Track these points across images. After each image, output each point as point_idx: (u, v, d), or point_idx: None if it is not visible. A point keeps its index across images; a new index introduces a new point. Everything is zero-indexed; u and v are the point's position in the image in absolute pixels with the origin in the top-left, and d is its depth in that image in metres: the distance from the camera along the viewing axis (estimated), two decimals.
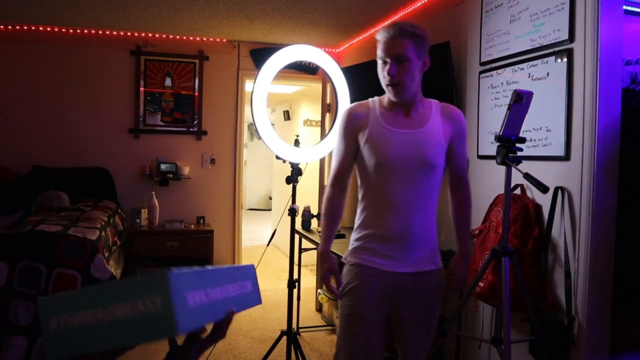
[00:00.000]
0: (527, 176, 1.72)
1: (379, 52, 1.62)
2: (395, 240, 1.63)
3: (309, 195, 4.92)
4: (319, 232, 3.40)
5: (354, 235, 1.73)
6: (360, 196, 1.72)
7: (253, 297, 0.95)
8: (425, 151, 1.62)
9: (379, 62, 1.64)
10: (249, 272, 0.97)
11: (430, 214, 1.68)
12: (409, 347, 1.71)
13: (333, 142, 2.64)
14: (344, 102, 2.64)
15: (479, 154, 2.65)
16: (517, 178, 2.04)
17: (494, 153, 1.84)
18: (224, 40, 4.65)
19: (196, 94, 4.61)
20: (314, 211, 3.72)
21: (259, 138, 2.55)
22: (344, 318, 1.69)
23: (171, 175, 4.45)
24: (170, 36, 4.51)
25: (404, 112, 1.67)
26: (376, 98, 1.75)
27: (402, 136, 1.63)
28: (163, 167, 4.43)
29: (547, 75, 2.19)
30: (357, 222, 1.73)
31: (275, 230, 3.07)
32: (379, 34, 1.62)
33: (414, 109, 1.68)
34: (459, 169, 1.75)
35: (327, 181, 1.78)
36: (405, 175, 1.62)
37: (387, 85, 1.63)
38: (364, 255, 1.67)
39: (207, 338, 0.84)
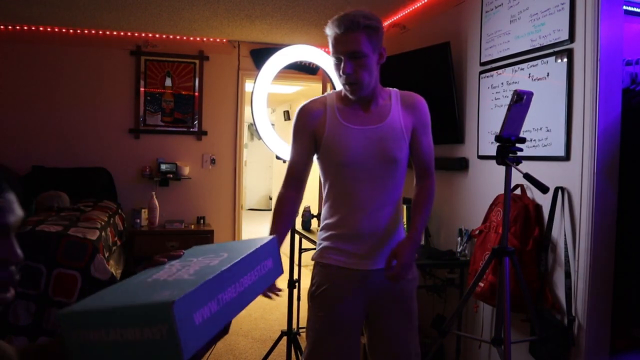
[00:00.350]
0: (527, 176, 1.72)
1: (331, 49, 1.52)
2: (364, 238, 1.58)
3: (308, 196, 4.91)
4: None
5: (321, 234, 1.67)
6: (325, 193, 1.66)
7: (273, 273, 0.93)
8: (387, 147, 1.56)
9: (332, 60, 1.54)
10: (270, 249, 0.94)
11: (397, 208, 1.63)
12: (391, 342, 1.64)
13: None
14: None
15: (479, 154, 2.65)
16: (517, 178, 2.04)
17: (494, 153, 1.84)
18: (224, 40, 4.65)
19: (196, 94, 4.61)
20: (314, 211, 3.72)
21: (259, 138, 2.55)
22: (318, 321, 1.63)
23: (171, 176, 4.45)
24: (171, 36, 4.51)
25: (362, 107, 1.60)
26: (332, 92, 1.67)
27: (362, 133, 1.56)
28: (163, 167, 4.43)
29: (547, 75, 2.19)
30: (323, 220, 1.67)
31: None
32: (329, 28, 1.52)
33: (374, 103, 1.60)
34: (423, 160, 1.64)
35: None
36: (369, 172, 1.56)
37: (344, 84, 1.55)
38: (333, 255, 1.61)
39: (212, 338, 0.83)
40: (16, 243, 0.71)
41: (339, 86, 2.64)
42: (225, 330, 0.84)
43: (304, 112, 1.63)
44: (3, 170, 0.78)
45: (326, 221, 1.65)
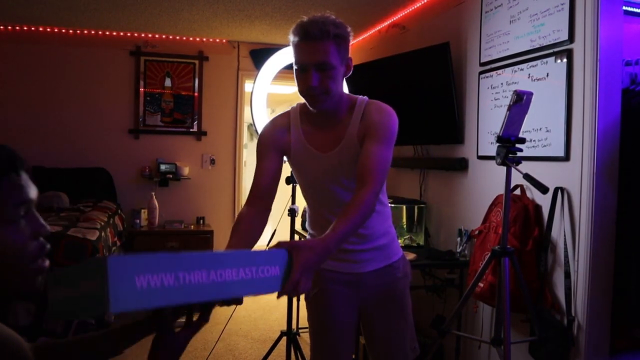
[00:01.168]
0: (527, 177, 1.72)
1: (296, 57, 1.39)
2: (350, 243, 1.51)
3: None
4: None
5: (309, 238, 1.65)
6: (304, 196, 1.64)
7: (273, 284, 0.94)
8: (348, 171, 1.46)
9: (295, 67, 1.41)
10: (279, 258, 0.96)
11: (380, 209, 1.52)
12: (387, 341, 1.64)
13: None
14: None
15: (479, 154, 2.65)
16: (516, 178, 2.04)
17: (493, 153, 1.84)
18: (224, 40, 4.65)
19: (196, 94, 4.61)
20: None
21: None
22: (314, 325, 1.66)
23: (171, 176, 4.45)
24: (170, 37, 4.51)
25: (327, 125, 1.49)
26: (297, 107, 1.56)
27: (323, 160, 1.49)
28: (163, 167, 4.43)
29: (547, 75, 2.19)
30: (308, 227, 1.66)
31: (275, 230, 3.07)
32: (293, 34, 1.40)
33: (335, 119, 1.49)
34: (360, 167, 1.39)
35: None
36: (338, 191, 1.51)
37: (306, 96, 1.43)
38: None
39: (193, 324, 0.95)
40: (40, 216, 0.76)
41: None
42: (205, 319, 0.93)
43: (268, 131, 1.55)
44: (13, 151, 0.79)
45: (310, 231, 1.66)
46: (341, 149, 1.47)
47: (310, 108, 1.45)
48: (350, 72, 1.49)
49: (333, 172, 1.49)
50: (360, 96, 1.53)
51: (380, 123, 1.43)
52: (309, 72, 1.37)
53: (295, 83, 1.43)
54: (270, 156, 1.50)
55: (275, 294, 0.98)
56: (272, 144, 1.51)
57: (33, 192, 0.76)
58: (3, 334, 0.73)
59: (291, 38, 1.41)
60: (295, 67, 1.41)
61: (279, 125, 1.54)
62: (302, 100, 1.49)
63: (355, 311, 1.64)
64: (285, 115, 1.56)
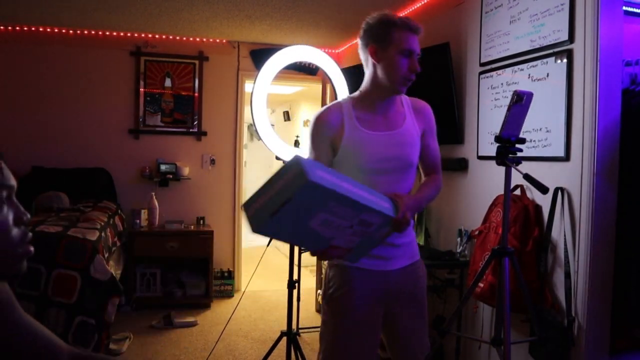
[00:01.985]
0: (527, 177, 1.72)
1: (406, 44, 1.54)
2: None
3: None
4: None
5: None
6: None
7: (389, 211, 1.33)
8: (405, 152, 1.61)
9: (400, 53, 1.55)
10: (389, 203, 1.36)
11: None
12: (408, 341, 1.70)
13: None
14: None
15: (479, 154, 2.65)
16: (517, 179, 2.04)
17: (493, 153, 1.84)
18: (224, 41, 4.65)
19: (196, 94, 4.61)
20: None
21: (259, 139, 2.55)
22: (338, 326, 1.63)
23: (171, 176, 4.45)
24: (170, 37, 4.51)
25: (380, 113, 1.62)
26: (347, 98, 1.67)
27: (380, 138, 1.59)
28: (163, 167, 4.43)
29: (547, 75, 2.19)
30: None
31: None
32: (404, 23, 1.57)
33: (392, 109, 1.64)
34: (431, 162, 1.71)
35: None
36: (386, 177, 1.59)
37: (403, 79, 1.56)
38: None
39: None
40: (19, 204, 0.78)
41: (339, 87, 2.64)
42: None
43: (321, 120, 1.62)
44: None
45: None
46: (402, 130, 1.62)
47: (400, 92, 1.61)
48: None
49: (389, 152, 1.60)
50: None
51: (434, 120, 1.71)
52: (414, 59, 1.56)
53: (394, 68, 1.56)
54: (322, 146, 1.62)
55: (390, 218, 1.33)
56: (324, 135, 1.61)
57: (12, 178, 0.78)
58: (44, 338, 0.78)
59: (400, 25, 1.58)
60: (400, 51, 1.55)
61: (331, 115, 1.63)
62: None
63: (381, 311, 1.66)
64: (337, 105, 1.66)
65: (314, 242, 1.30)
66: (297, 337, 2.73)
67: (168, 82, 4.53)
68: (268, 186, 1.14)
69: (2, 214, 0.75)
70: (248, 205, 1.15)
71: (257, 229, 1.14)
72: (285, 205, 1.08)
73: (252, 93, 2.45)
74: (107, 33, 4.39)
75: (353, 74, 3.31)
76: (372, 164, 1.58)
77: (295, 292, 2.68)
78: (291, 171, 1.10)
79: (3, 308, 0.86)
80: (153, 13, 3.75)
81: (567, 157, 2.08)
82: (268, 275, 5.32)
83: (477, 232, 2.40)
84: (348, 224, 1.24)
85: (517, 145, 1.79)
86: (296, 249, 2.79)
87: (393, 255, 1.62)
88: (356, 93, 1.65)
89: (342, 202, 1.16)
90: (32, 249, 0.78)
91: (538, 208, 2.22)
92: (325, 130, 1.60)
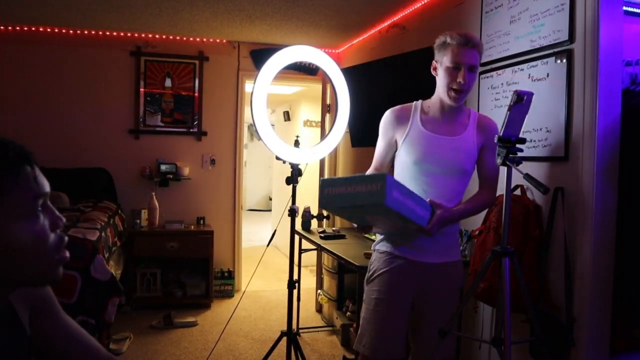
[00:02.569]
0: (527, 177, 1.72)
1: (452, 57, 1.70)
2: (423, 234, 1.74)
3: (309, 196, 4.91)
4: (319, 232, 3.40)
5: None
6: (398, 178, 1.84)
7: (424, 221, 1.62)
8: (457, 157, 1.76)
9: (449, 66, 1.71)
10: (429, 208, 1.65)
11: None
12: (426, 336, 1.82)
13: (333, 143, 2.65)
14: (344, 103, 2.64)
15: None
16: (517, 179, 2.04)
17: None
18: (224, 41, 4.65)
19: (196, 94, 4.61)
20: (314, 212, 3.72)
21: (259, 139, 2.55)
22: (372, 301, 1.80)
23: (171, 176, 4.45)
24: (170, 37, 4.51)
25: (444, 119, 1.80)
26: (418, 103, 1.86)
27: (437, 140, 1.77)
28: (163, 167, 4.43)
29: (547, 75, 2.19)
30: None
31: (275, 230, 3.07)
32: (453, 39, 1.71)
33: (454, 117, 1.80)
34: (485, 176, 1.85)
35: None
36: (440, 177, 1.76)
37: (453, 90, 1.72)
38: (394, 245, 1.82)
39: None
40: (55, 208, 0.79)
41: (339, 87, 2.64)
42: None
43: (391, 115, 1.87)
44: (22, 145, 0.82)
45: None
46: (460, 138, 1.78)
47: (452, 103, 1.75)
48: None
49: (443, 154, 1.76)
50: (470, 108, 1.91)
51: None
52: (464, 71, 1.69)
53: (443, 80, 1.75)
54: (387, 139, 1.88)
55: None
56: (390, 129, 1.86)
57: (47, 185, 0.79)
58: (86, 342, 0.85)
59: (449, 41, 1.73)
60: (450, 65, 1.72)
61: (401, 114, 1.85)
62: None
63: (411, 298, 1.82)
64: (408, 106, 1.87)
65: (359, 220, 1.68)
66: (297, 337, 2.73)
67: (168, 82, 4.53)
68: (349, 182, 1.39)
69: (39, 223, 0.75)
70: (326, 184, 1.44)
71: (324, 206, 1.45)
72: (355, 208, 1.40)
73: (252, 93, 2.45)
74: (107, 33, 4.39)
75: (353, 74, 3.31)
76: (426, 162, 1.75)
77: (295, 292, 2.68)
78: (374, 184, 1.32)
79: (49, 313, 0.88)
80: (153, 13, 3.76)
81: (567, 157, 2.08)
82: (268, 275, 5.33)
83: (477, 232, 2.40)
84: (393, 222, 1.61)
85: (518, 145, 1.78)
86: (296, 249, 2.79)
87: (428, 247, 1.77)
88: (430, 99, 1.85)
89: (399, 216, 1.46)
90: (67, 254, 0.79)
91: (538, 208, 2.22)
92: (391, 124, 1.85)
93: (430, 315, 1.83)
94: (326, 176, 4.49)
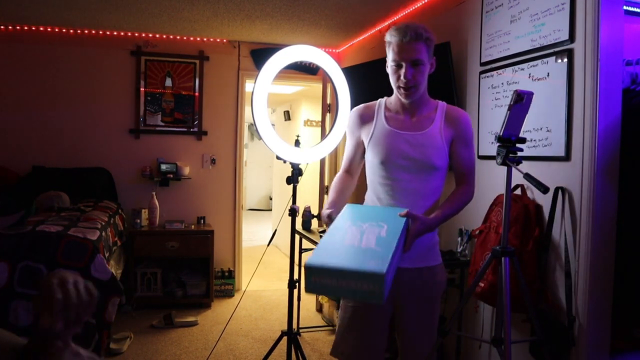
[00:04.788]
0: (527, 176, 1.72)
1: (393, 55, 1.66)
2: None
3: (309, 196, 4.92)
4: (319, 232, 3.40)
5: None
6: (368, 179, 1.80)
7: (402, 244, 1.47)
8: (426, 152, 1.67)
9: (392, 64, 1.68)
10: (405, 225, 1.47)
11: (431, 212, 1.69)
12: (410, 341, 1.76)
13: (333, 143, 2.64)
14: (345, 103, 2.64)
15: (480, 154, 2.65)
16: (517, 178, 2.04)
17: (494, 153, 1.84)
18: (224, 40, 4.65)
19: (196, 94, 4.61)
20: (315, 211, 3.72)
21: (260, 138, 2.55)
22: (349, 310, 1.74)
23: (171, 176, 4.45)
24: (171, 36, 4.51)
25: (409, 114, 1.74)
26: (382, 100, 1.81)
27: (403, 137, 1.69)
28: (163, 167, 4.43)
29: (548, 75, 2.19)
30: (366, 204, 1.80)
31: (276, 230, 3.07)
32: (392, 36, 1.65)
33: (419, 111, 1.73)
34: (459, 171, 1.75)
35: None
36: (408, 174, 1.68)
37: (400, 88, 1.67)
38: None
39: None
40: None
41: (340, 87, 2.64)
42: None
43: (354, 114, 1.83)
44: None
45: None
46: (426, 133, 1.69)
47: (404, 100, 1.71)
48: (433, 70, 1.73)
49: (411, 150, 1.68)
50: (439, 100, 1.80)
51: (467, 130, 1.73)
52: (405, 67, 1.64)
53: (391, 77, 1.71)
54: (354, 137, 1.83)
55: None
56: (355, 128, 1.82)
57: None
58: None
59: (390, 39, 1.67)
60: (392, 63, 1.68)
61: (364, 112, 1.81)
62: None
63: (390, 305, 1.75)
64: (372, 104, 1.82)
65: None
66: (298, 336, 2.73)
67: (168, 82, 4.53)
68: (340, 275, 1.19)
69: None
70: (312, 274, 1.22)
71: (308, 292, 1.28)
72: (347, 299, 1.34)
73: (252, 93, 2.45)
74: (108, 33, 4.39)
75: (354, 74, 3.31)
76: (393, 159, 1.69)
77: (295, 291, 2.68)
78: (372, 284, 1.16)
79: None
80: (153, 12, 3.76)
81: (567, 157, 2.08)
82: (268, 275, 5.33)
83: (477, 232, 2.40)
84: None
85: (518, 145, 1.79)
86: (297, 248, 2.79)
87: (406, 253, 1.66)
88: (393, 95, 1.79)
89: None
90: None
91: (538, 208, 2.22)
92: (356, 124, 1.81)
93: (410, 325, 1.76)
94: (326, 176, 4.48)
